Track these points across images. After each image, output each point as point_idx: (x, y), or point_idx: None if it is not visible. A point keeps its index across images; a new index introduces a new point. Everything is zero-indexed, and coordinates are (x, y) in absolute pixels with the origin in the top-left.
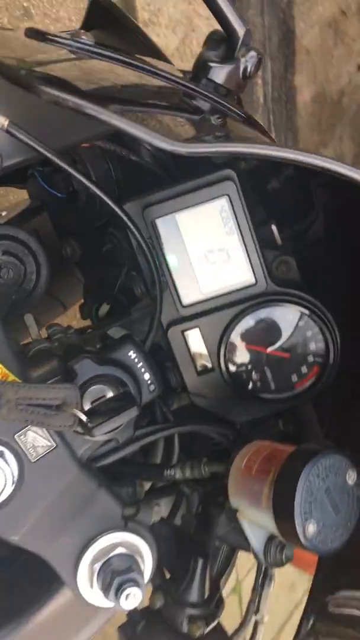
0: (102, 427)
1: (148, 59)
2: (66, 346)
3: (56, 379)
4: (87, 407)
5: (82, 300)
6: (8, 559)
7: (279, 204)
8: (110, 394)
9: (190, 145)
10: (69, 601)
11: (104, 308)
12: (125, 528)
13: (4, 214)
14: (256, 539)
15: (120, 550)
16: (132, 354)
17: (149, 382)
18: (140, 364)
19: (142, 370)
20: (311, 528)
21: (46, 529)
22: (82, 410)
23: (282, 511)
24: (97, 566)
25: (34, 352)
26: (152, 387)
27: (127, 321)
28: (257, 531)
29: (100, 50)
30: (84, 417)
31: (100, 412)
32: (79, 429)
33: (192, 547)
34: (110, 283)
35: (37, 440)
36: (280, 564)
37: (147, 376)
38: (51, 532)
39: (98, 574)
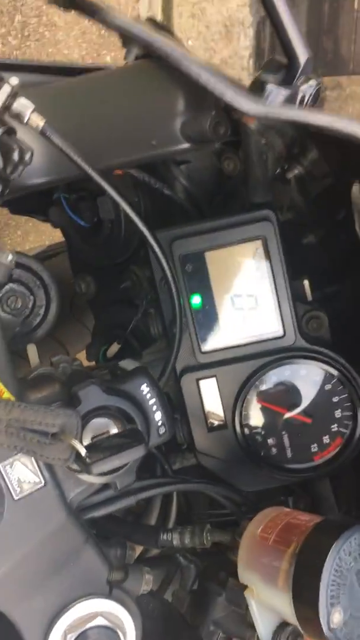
0: (101, 464)
1: None
2: (71, 372)
3: (57, 404)
4: (87, 441)
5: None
6: None
7: (313, 263)
8: (114, 431)
9: (270, 108)
10: None
11: (114, 348)
12: (109, 595)
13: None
14: (264, 625)
15: (100, 621)
16: (144, 389)
17: (159, 423)
18: (152, 401)
19: (154, 408)
20: (337, 617)
21: (19, 583)
22: (81, 442)
23: (304, 592)
24: (72, 637)
25: (34, 376)
26: (162, 430)
27: None
28: (266, 615)
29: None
30: (82, 451)
31: (102, 447)
32: (75, 466)
33: (183, 630)
34: (122, 324)
35: (24, 474)
36: None
37: (158, 415)
38: (24, 587)
39: None
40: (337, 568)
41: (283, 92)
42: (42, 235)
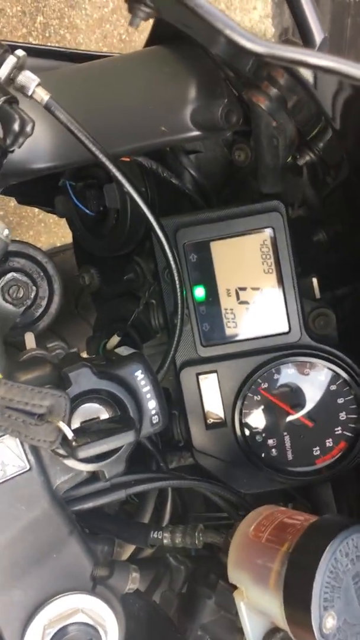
0: (88, 448)
1: None
2: (64, 356)
3: (47, 386)
4: (76, 426)
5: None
6: None
7: (323, 262)
8: (105, 417)
9: (273, 46)
10: None
11: (113, 341)
12: (92, 591)
13: None
14: (253, 630)
15: (81, 617)
16: (139, 375)
17: (153, 411)
18: (146, 388)
19: (148, 396)
20: (330, 622)
21: None
22: (69, 425)
23: (296, 594)
24: (51, 632)
25: (26, 358)
26: (155, 419)
27: None
28: (255, 619)
29: None
30: (69, 434)
31: (90, 432)
32: (61, 450)
33: (169, 633)
34: (124, 317)
35: (7, 456)
36: None
37: (152, 404)
38: (3, 577)
39: None
40: (332, 569)
41: None
42: (54, 236)
